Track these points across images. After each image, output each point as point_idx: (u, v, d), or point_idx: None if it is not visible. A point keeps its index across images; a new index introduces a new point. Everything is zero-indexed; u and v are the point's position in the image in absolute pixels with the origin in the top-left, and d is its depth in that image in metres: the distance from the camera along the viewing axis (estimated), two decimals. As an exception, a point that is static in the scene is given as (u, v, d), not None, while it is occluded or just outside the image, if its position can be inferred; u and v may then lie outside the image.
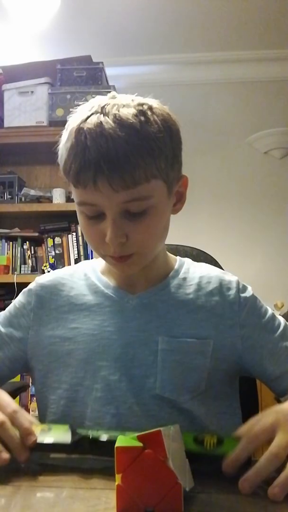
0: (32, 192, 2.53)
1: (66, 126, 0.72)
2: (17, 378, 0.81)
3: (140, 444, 0.44)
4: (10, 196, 2.54)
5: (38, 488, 0.52)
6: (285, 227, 2.87)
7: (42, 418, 0.84)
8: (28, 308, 0.86)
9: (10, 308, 0.89)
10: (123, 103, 0.69)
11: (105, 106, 0.68)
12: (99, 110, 0.68)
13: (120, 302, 0.81)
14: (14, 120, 2.48)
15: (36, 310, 0.85)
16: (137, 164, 0.66)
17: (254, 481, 0.50)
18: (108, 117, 0.66)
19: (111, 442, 0.48)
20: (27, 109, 2.46)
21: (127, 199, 0.68)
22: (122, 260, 0.73)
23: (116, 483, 0.44)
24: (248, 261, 2.75)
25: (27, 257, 2.52)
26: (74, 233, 2.49)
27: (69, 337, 0.81)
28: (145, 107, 0.69)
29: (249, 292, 0.84)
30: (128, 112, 0.67)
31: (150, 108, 0.70)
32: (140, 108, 0.68)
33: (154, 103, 0.72)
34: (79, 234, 2.47)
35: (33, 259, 2.53)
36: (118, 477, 0.44)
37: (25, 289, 0.90)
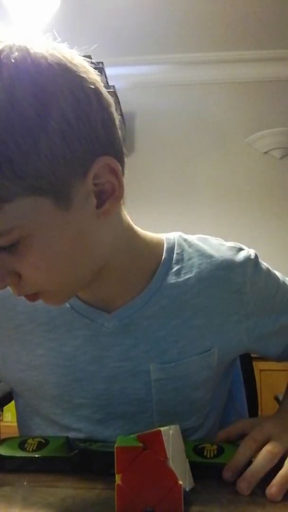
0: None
1: None
2: None
3: (140, 444, 0.44)
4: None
5: (38, 488, 0.52)
6: (285, 227, 2.87)
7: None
8: None
9: None
10: None
11: None
12: None
13: (92, 326, 0.63)
14: (14, 120, 2.47)
15: None
16: None
17: (251, 481, 0.50)
18: None
19: (108, 454, 0.48)
20: (27, 109, 2.46)
21: None
22: (31, 298, 0.55)
23: (116, 483, 0.44)
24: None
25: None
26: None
27: (37, 366, 0.65)
28: None
29: (261, 268, 0.68)
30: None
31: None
32: None
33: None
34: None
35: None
36: (118, 477, 0.44)
37: None
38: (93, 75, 0.54)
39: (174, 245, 0.67)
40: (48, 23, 2.41)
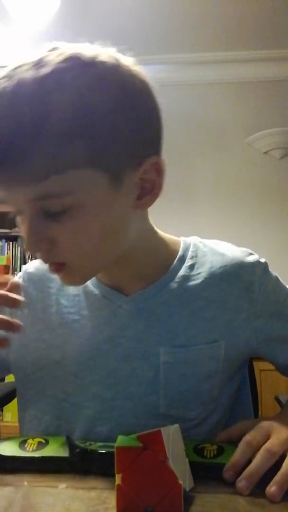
0: (32, 192, 2.53)
1: None
2: (14, 379, 0.77)
3: (140, 444, 0.44)
4: (10, 196, 2.54)
5: (38, 488, 0.52)
6: (285, 227, 2.87)
7: (22, 433, 0.74)
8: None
9: None
10: (46, 60, 0.50)
11: (21, 67, 0.50)
12: (10, 73, 0.50)
13: (111, 306, 0.68)
14: (14, 120, 2.48)
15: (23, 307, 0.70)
16: (36, 150, 0.48)
17: (250, 481, 0.49)
18: (12, 80, 0.49)
19: (108, 454, 0.48)
20: (27, 109, 2.46)
21: (35, 197, 0.52)
22: (55, 269, 0.58)
23: (116, 483, 0.44)
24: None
25: (27, 257, 2.53)
26: (74, 233, 2.49)
27: (57, 345, 0.69)
28: (80, 61, 0.51)
29: (270, 274, 0.72)
30: (43, 72, 0.48)
31: (92, 64, 0.52)
32: (65, 65, 0.50)
33: (104, 56, 0.54)
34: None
35: (33, 259, 2.53)
36: (118, 477, 0.44)
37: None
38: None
39: (190, 245, 0.72)
40: (48, 23, 2.42)
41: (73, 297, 0.70)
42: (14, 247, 2.53)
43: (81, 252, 0.56)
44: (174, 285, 0.68)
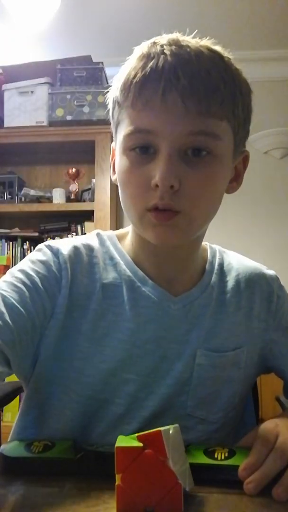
0: (32, 192, 2.53)
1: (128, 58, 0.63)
2: (15, 378, 0.73)
3: (140, 444, 0.44)
4: (10, 196, 2.55)
5: (39, 488, 0.52)
6: (285, 227, 2.87)
7: (21, 431, 0.71)
8: (56, 285, 0.65)
9: (29, 271, 0.64)
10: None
11: (167, 36, 0.59)
12: (165, 40, 0.58)
13: (160, 305, 0.66)
14: (14, 120, 2.48)
15: (66, 291, 0.65)
16: (219, 89, 0.55)
17: (261, 483, 0.49)
18: (186, 39, 0.58)
19: (110, 455, 0.47)
20: (27, 109, 2.46)
21: (194, 130, 0.55)
22: (166, 217, 0.57)
23: (116, 483, 0.44)
24: (248, 261, 2.75)
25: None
26: (74, 233, 2.49)
27: (94, 338, 0.65)
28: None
29: (284, 290, 0.75)
30: (209, 43, 0.59)
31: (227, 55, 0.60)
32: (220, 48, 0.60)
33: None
34: (79, 234, 2.47)
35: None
36: (118, 477, 0.44)
37: (47, 255, 0.67)
38: None
39: (216, 251, 0.76)
40: (48, 23, 2.42)
41: (115, 288, 0.67)
42: (14, 247, 2.53)
43: (200, 202, 0.58)
44: (209, 289, 0.70)
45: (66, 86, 2.44)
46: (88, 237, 0.73)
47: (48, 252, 0.68)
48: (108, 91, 0.66)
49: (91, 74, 2.45)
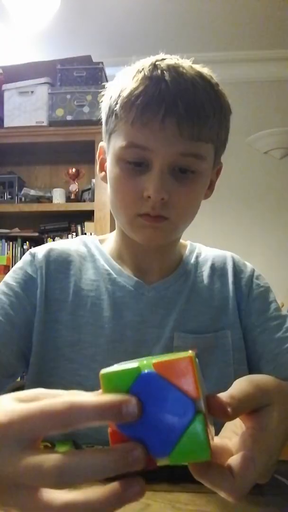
0: (32, 192, 2.53)
1: (117, 75, 0.69)
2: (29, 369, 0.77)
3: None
4: (10, 196, 2.55)
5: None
6: (285, 227, 2.87)
7: None
8: (33, 285, 0.73)
9: (9, 281, 0.73)
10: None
11: (165, 60, 0.65)
12: (164, 65, 0.64)
13: (135, 294, 0.73)
14: (14, 120, 2.48)
15: (43, 287, 0.73)
16: (210, 117, 0.63)
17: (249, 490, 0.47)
18: (183, 65, 0.64)
19: None
20: (27, 109, 2.46)
21: (185, 152, 0.63)
22: (157, 220, 0.65)
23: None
24: (247, 261, 2.74)
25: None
26: (74, 233, 2.49)
27: (74, 327, 0.71)
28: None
29: (264, 282, 0.80)
30: (200, 68, 0.67)
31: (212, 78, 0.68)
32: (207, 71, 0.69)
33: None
34: (79, 234, 2.47)
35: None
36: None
37: (25, 261, 0.76)
38: None
39: (196, 247, 0.84)
40: (48, 23, 2.42)
41: (92, 282, 0.74)
42: (14, 247, 2.53)
43: (186, 211, 0.68)
44: (186, 277, 0.77)
45: (66, 86, 2.44)
46: (70, 240, 0.82)
47: (27, 258, 0.77)
48: (103, 95, 0.71)
49: (91, 74, 2.44)
